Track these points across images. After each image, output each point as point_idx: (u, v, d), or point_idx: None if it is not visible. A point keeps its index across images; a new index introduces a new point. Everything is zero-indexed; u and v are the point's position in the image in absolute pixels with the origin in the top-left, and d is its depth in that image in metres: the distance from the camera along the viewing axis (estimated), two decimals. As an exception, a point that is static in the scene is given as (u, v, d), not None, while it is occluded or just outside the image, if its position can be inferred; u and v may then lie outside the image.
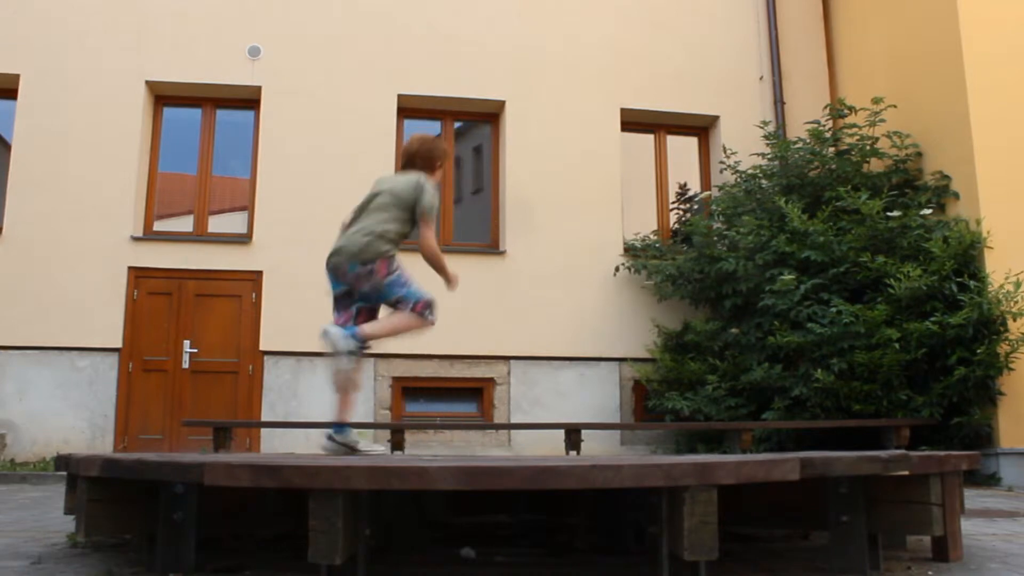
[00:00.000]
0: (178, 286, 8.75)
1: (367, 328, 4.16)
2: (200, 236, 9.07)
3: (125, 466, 2.73)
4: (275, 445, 8.43)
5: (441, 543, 3.39)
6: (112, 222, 8.65)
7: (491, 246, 9.34)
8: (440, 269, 4.28)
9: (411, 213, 4.27)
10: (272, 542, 3.43)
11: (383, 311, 4.33)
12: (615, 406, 9.06)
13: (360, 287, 4.20)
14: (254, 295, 8.80)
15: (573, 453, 7.25)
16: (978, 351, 6.94)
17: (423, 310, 4.20)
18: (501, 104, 9.52)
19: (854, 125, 8.63)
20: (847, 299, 7.44)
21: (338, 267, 4.21)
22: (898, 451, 3.20)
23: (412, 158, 4.41)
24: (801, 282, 7.61)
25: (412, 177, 4.33)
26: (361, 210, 4.35)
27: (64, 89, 8.78)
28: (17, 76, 8.77)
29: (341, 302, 4.29)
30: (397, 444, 7.25)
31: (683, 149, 10.15)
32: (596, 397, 9.03)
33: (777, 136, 9.23)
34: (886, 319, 7.14)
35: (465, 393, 9.09)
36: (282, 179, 8.96)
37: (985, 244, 7.50)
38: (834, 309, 7.32)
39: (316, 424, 7.99)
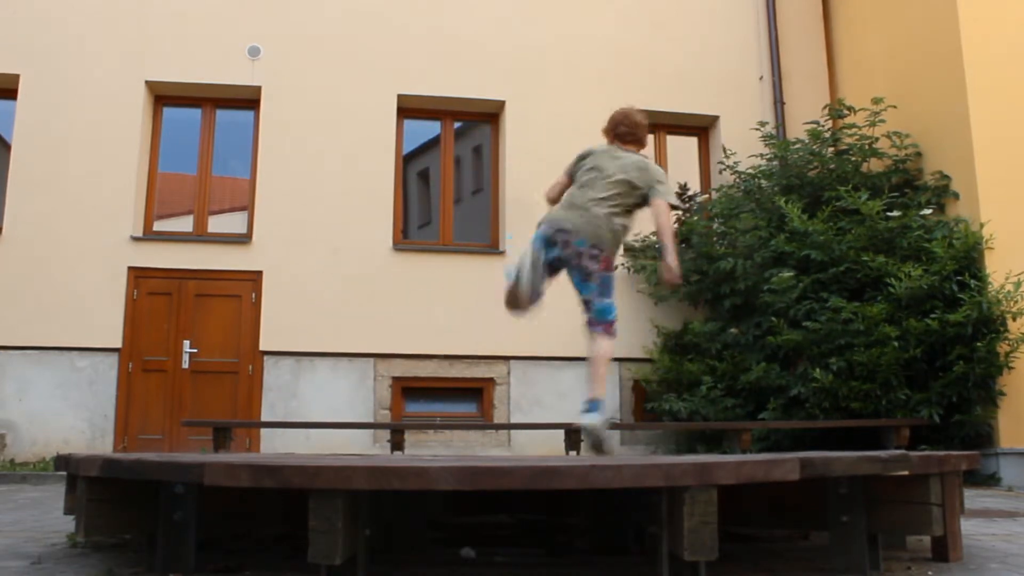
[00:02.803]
0: (178, 286, 8.75)
1: (599, 392, 3.97)
2: (200, 236, 9.07)
3: (125, 466, 2.73)
4: (275, 445, 8.43)
5: (441, 543, 3.39)
6: (112, 222, 8.65)
7: (491, 246, 9.34)
8: (667, 246, 4.09)
9: (639, 197, 4.14)
10: (272, 542, 3.44)
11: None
12: (615, 406, 9.05)
13: (580, 264, 4.01)
14: (254, 295, 8.80)
15: (573, 453, 7.25)
16: (978, 345, 6.95)
17: (613, 329, 4.06)
18: (501, 104, 9.52)
19: (854, 125, 8.63)
20: (847, 298, 7.44)
21: (566, 241, 3.99)
22: (898, 451, 3.20)
23: (632, 131, 4.25)
24: (799, 280, 7.61)
25: (641, 161, 4.17)
26: (590, 184, 4.11)
27: (64, 89, 8.78)
28: (17, 76, 8.77)
29: (543, 270, 4.04)
30: (397, 444, 7.25)
31: (683, 149, 10.14)
32: (596, 397, 9.01)
33: (775, 136, 9.23)
34: (885, 317, 7.15)
35: (465, 393, 9.10)
36: (282, 179, 8.96)
37: (987, 246, 7.50)
38: (830, 306, 7.32)
39: (316, 424, 8.02)
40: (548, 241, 4.04)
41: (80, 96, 8.79)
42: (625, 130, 4.28)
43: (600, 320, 4.04)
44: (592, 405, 3.92)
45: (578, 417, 3.99)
